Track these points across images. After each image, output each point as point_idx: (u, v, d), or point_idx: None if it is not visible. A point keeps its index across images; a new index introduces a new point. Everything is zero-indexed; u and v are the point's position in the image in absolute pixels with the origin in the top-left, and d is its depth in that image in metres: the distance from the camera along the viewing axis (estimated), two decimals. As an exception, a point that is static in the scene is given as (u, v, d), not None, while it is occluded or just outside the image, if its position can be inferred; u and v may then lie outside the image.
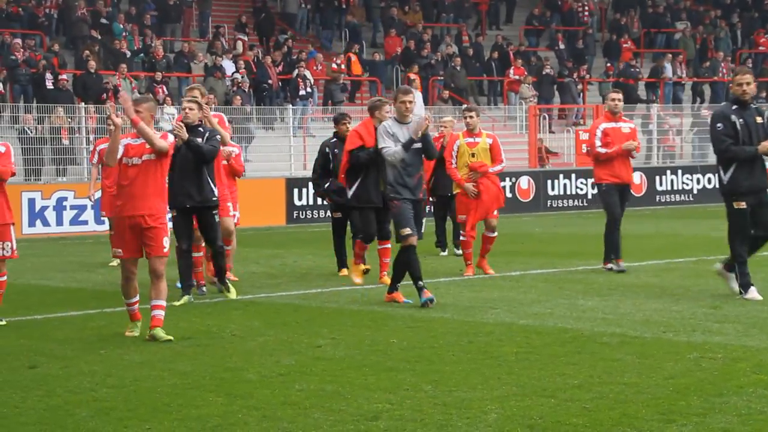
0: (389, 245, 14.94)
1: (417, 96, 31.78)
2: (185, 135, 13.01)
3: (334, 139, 16.05)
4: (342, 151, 15.58)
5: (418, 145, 12.98)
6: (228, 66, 34.27)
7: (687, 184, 34.38)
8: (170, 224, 11.63)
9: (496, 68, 39.31)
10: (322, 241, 19.78)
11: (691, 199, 34.15)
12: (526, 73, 38.52)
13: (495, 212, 16.13)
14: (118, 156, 11.12)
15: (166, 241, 11.20)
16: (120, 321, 11.89)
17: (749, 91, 12.80)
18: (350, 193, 14.92)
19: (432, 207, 19.72)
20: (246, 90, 33.29)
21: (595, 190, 18.49)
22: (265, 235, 24.59)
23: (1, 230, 12.09)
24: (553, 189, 32.49)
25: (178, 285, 13.98)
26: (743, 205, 12.77)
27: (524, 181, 31.74)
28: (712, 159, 36.46)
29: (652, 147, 36.21)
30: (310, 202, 29.13)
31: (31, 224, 25.78)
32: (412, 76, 35.15)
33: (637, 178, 31.54)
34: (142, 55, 34.58)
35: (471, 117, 16.27)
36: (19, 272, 16.53)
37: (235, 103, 31.51)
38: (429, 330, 11.23)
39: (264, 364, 9.59)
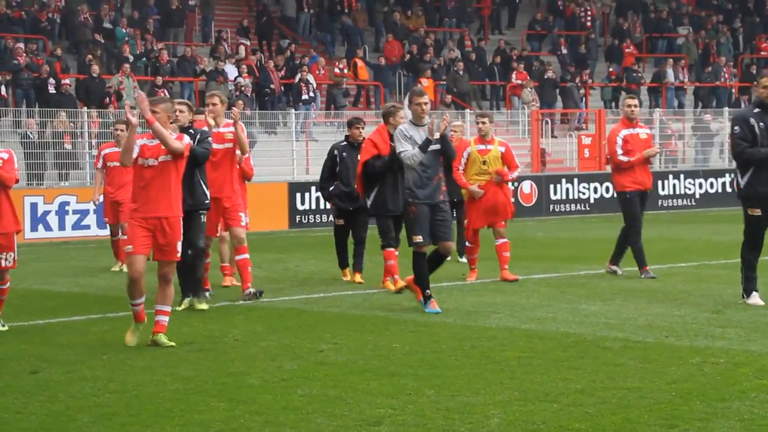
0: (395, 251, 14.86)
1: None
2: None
3: (344, 143, 15.94)
4: (350, 156, 15.56)
5: (436, 146, 12.81)
6: (230, 70, 34.28)
7: (689, 189, 34.36)
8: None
9: (498, 73, 39.31)
10: (325, 245, 19.80)
11: (693, 203, 34.14)
12: (528, 77, 38.53)
13: (504, 222, 16.08)
14: (134, 156, 10.98)
15: (179, 246, 11.13)
16: (122, 326, 11.87)
17: None
18: (369, 202, 14.76)
19: None
20: (249, 94, 33.30)
21: (610, 196, 18.33)
22: (268, 240, 24.60)
23: (6, 239, 11.90)
24: (555, 193, 32.50)
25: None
26: (758, 212, 12.65)
27: (527, 186, 31.75)
28: (714, 164, 36.68)
29: (654, 151, 36.16)
30: (313, 207, 29.12)
31: (34, 229, 25.77)
32: (424, 80, 35.19)
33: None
34: (144, 59, 34.59)
35: (483, 123, 16.01)
36: (21, 277, 16.53)
37: (237, 107, 31.51)
38: (431, 335, 11.22)
39: (266, 369, 9.59)
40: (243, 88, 33.11)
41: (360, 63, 36.97)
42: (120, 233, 18.21)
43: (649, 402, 8.02)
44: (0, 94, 29.95)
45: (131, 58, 33.62)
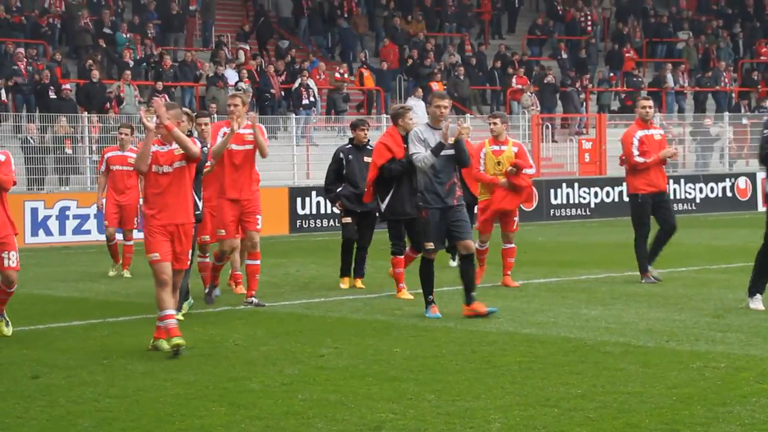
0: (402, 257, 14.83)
1: (420, 106, 31.97)
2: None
3: (349, 145, 15.90)
4: (356, 158, 15.51)
5: (450, 151, 12.64)
6: (231, 75, 34.30)
7: (689, 194, 34.39)
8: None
9: (498, 77, 39.34)
10: (326, 250, 19.81)
11: (694, 208, 34.15)
12: (528, 82, 38.55)
13: (515, 225, 16.04)
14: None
15: (190, 254, 11.19)
16: (123, 330, 11.88)
17: None
18: (383, 206, 14.54)
19: None
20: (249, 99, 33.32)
21: (623, 199, 18.19)
22: (268, 245, 24.55)
23: (6, 241, 11.89)
24: (556, 198, 32.51)
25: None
26: None
27: (527, 190, 31.76)
28: (714, 168, 36.69)
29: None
30: (314, 211, 29.13)
31: (34, 234, 25.77)
32: (435, 84, 35.19)
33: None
34: (145, 64, 34.61)
35: (495, 124, 15.87)
36: (21, 282, 16.45)
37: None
38: (432, 339, 11.22)
39: (267, 374, 9.59)
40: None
41: (366, 73, 36.96)
42: (123, 237, 18.18)
43: (650, 406, 8.02)
44: (0, 99, 29.96)
45: (131, 63, 33.65)
